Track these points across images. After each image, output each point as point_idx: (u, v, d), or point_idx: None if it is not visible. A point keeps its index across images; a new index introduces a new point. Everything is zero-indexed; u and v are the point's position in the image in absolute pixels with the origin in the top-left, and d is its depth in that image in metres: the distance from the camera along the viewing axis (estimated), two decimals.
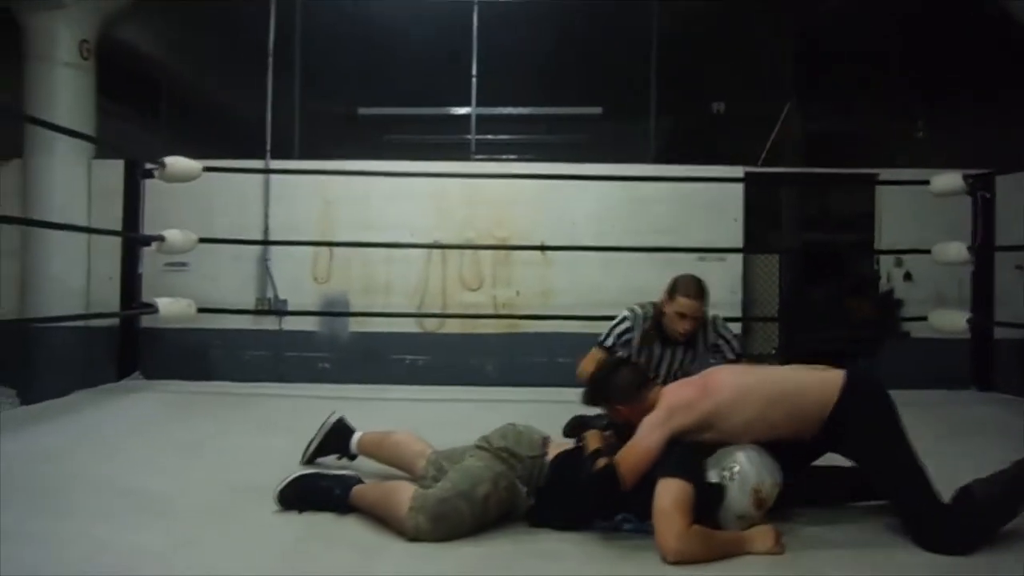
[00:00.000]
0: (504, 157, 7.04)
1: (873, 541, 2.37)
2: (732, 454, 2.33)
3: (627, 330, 3.57)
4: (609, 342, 3.60)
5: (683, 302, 3.39)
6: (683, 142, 7.76)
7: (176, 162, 4.68)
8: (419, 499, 2.34)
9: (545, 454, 2.47)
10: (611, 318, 5.71)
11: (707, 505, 2.25)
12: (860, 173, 6.44)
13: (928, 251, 5.25)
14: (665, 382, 3.55)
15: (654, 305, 3.58)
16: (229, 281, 6.14)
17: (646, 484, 2.26)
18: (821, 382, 2.41)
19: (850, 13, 6.69)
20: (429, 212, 6.26)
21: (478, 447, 2.49)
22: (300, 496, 2.50)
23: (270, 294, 6.18)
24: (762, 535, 2.25)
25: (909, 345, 6.13)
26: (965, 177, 4.88)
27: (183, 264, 6.02)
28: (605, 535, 2.36)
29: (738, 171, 6.29)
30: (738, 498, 2.28)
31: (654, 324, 3.52)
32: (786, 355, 6.27)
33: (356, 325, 6.20)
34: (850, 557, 2.26)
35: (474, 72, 6.69)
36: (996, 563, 2.20)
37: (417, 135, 8.70)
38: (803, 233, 6.96)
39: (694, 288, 3.40)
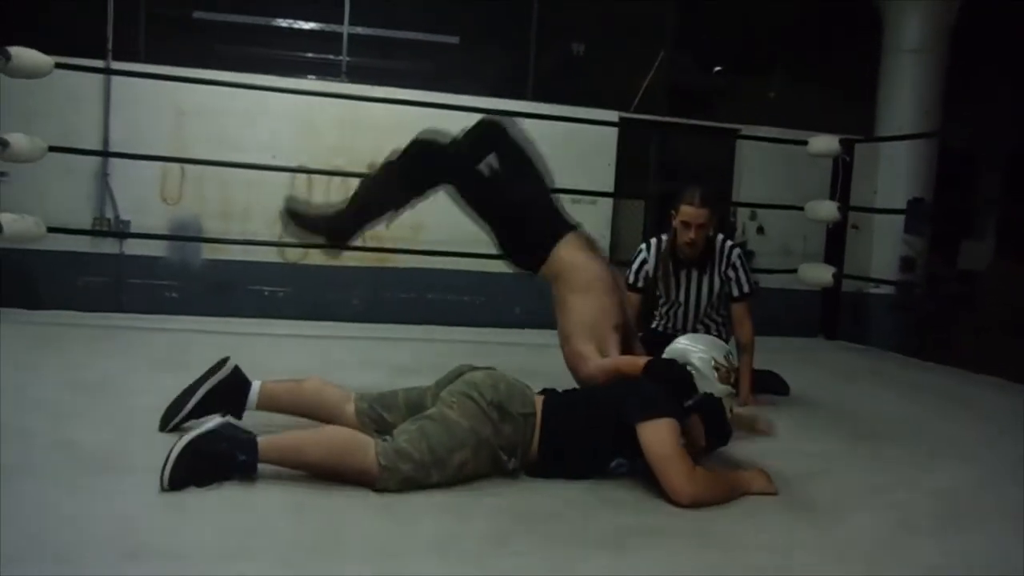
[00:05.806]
0: (377, 82, 6.55)
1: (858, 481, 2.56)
2: (676, 351, 2.54)
3: (643, 262, 3.66)
4: (631, 279, 3.67)
5: (684, 210, 3.42)
6: (546, 80, 7.66)
7: (23, 54, 3.91)
8: (388, 457, 2.13)
9: (535, 412, 2.31)
10: (483, 256, 5.73)
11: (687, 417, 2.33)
12: (724, 127, 6.68)
13: (789, 207, 5.58)
14: (686, 305, 3.59)
15: (666, 235, 3.66)
16: (60, 197, 5.35)
17: (628, 428, 2.25)
18: None
19: None
20: (295, 134, 5.78)
21: (465, 395, 2.24)
22: (197, 469, 2.05)
23: (110, 214, 5.47)
24: (756, 477, 2.35)
25: (757, 294, 6.50)
26: (840, 141, 5.18)
27: (2, 174, 5.19)
28: (605, 481, 2.34)
29: (613, 115, 6.31)
30: (709, 382, 2.42)
31: (669, 248, 3.58)
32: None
33: (209, 252, 5.66)
34: (851, 490, 2.46)
35: None
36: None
37: (263, 48, 7.99)
38: (665, 181, 7.13)
39: (697, 196, 3.41)
